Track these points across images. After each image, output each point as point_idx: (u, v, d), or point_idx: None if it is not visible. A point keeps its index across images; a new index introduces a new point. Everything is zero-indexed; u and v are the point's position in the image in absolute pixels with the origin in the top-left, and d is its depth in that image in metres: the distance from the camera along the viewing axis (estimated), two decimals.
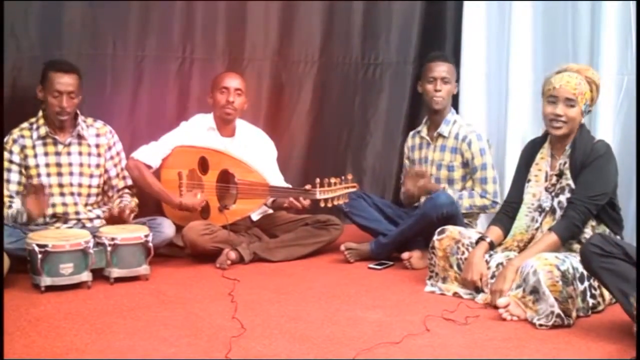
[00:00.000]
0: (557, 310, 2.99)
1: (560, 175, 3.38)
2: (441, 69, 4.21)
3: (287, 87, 5.06)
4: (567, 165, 3.36)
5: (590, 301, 3.17)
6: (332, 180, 3.97)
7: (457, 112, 4.75)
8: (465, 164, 4.16)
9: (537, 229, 3.42)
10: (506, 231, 3.51)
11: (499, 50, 4.77)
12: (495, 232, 3.51)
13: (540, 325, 3.01)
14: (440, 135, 4.24)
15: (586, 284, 3.14)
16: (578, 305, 3.12)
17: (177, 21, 4.64)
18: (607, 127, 4.07)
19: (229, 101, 4.21)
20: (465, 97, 4.87)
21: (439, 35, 5.27)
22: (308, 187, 4.00)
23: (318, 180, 3.96)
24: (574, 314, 3.05)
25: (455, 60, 5.00)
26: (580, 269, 3.08)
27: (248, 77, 4.68)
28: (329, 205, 3.99)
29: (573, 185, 3.33)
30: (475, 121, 4.61)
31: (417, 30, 5.26)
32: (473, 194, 4.09)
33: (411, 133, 4.49)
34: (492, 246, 3.47)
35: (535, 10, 4.56)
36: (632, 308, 2.77)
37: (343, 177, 4.02)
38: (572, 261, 3.10)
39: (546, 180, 3.43)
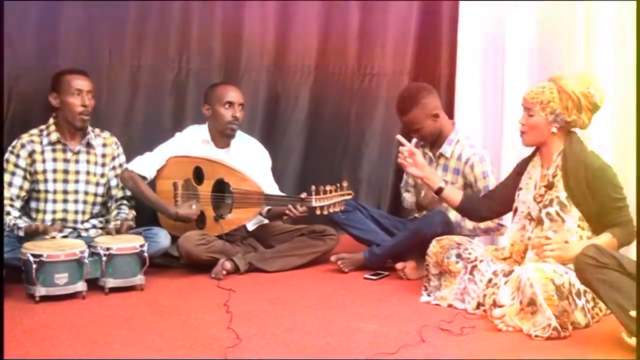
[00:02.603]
0: (554, 323, 2.98)
1: (549, 186, 3.35)
2: (406, 120, 4.11)
3: (283, 97, 5.07)
4: (558, 177, 3.33)
5: (588, 315, 3.17)
6: (328, 187, 3.98)
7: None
8: (468, 186, 4.09)
9: (528, 238, 3.41)
10: (468, 203, 3.63)
11: (494, 62, 4.77)
12: (456, 192, 3.65)
13: (536, 336, 3.01)
14: (441, 155, 4.16)
15: (583, 299, 3.13)
16: (577, 319, 3.11)
17: (173, 31, 4.65)
18: (603, 138, 4.08)
19: (236, 117, 4.21)
20: (461, 109, 4.87)
21: (435, 46, 5.28)
22: (304, 195, 4.01)
23: (313, 187, 3.97)
24: (570, 327, 3.04)
25: (450, 71, 5.03)
26: (578, 284, 3.07)
27: (244, 87, 4.69)
28: (325, 212, 3.99)
29: (563, 198, 3.29)
30: (471, 134, 4.60)
31: (412, 40, 5.27)
32: None
33: (414, 140, 4.34)
34: (440, 191, 3.61)
35: (531, 21, 4.57)
36: (628, 320, 2.76)
37: (339, 185, 4.03)
38: (571, 276, 3.06)
39: (535, 189, 3.43)
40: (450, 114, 4.85)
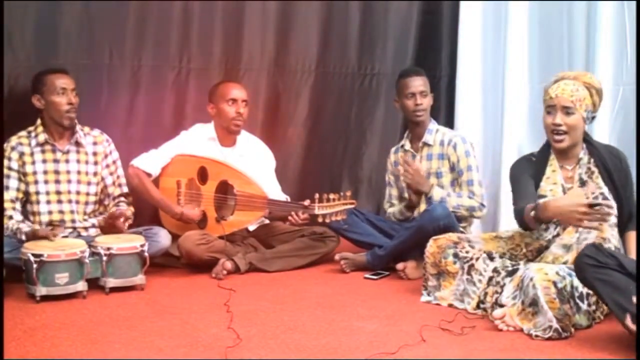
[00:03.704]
0: (555, 325, 2.97)
1: (584, 184, 3.33)
2: (417, 83, 4.23)
3: (283, 97, 5.07)
4: (595, 174, 3.32)
5: (591, 318, 3.16)
6: (331, 196, 4.00)
7: (453, 122, 4.79)
8: (452, 168, 4.19)
9: (549, 240, 3.38)
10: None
11: (495, 61, 4.79)
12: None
13: (537, 336, 3.00)
14: (425, 144, 4.27)
15: (586, 303, 3.12)
16: (579, 322, 3.10)
17: (173, 31, 4.65)
18: (604, 137, 4.09)
19: (240, 113, 4.23)
20: (461, 108, 4.89)
21: (435, 46, 5.29)
22: (307, 202, 4.02)
23: (317, 195, 3.98)
24: (572, 329, 3.02)
25: (451, 71, 5.04)
26: (580, 288, 3.06)
27: (244, 87, 4.69)
28: (327, 221, 4.02)
29: (606, 193, 3.28)
30: (471, 132, 4.63)
31: (413, 41, 5.29)
32: (461, 194, 4.13)
33: (393, 149, 4.51)
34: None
35: (531, 23, 4.58)
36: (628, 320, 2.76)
37: (342, 194, 4.05)
38: (574, 279, 3.04)
39: (564, 193, 3.36)
40: (450, 113, 4.88)
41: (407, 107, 4.24)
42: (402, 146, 4.40)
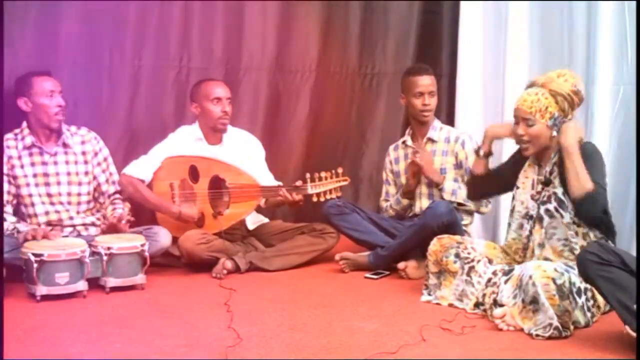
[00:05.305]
0: (555, 322, 2.97)
1: (547, 183, 3.35)
2: (427, 82, 4.25)
3: (284, 97, 5.07)
4: (554, 173, 3.33)
5: (588, 314, 3.16)
6: (323, 174, 4.03)
7: (454, 121, 4.79)
8: (458, 166, 4.19)
9: (527, 237, 3.41)
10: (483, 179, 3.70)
11: (495, 60, 4.78)
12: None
13: (537, 335, 3.00)
14: (430, 140, 4.29)
15: (583, 298, 3.13)
16: (577, 318, 3.10)
17: (174, 30, 4.65)
18: (604, 137, 4.08)
19: (226, 112, 4.22)
20: (462, 107, 4.88)
21: (436, 45, 5.29)
22: (299, 183, 4.03)
23: (308, 175, 3.99)
24: (571, 327, 3.03)
25: (451, 70, 5.04)
26: (578, 283, 3.07)
27: (245, 87, 4.70)
28: (322, 199, 4.04)
29: (560, 194, 3.29)
30: (472, 130, 4.62)
31: (413, 40, 5.29)
32: None
33: (392, 147, 4.51)
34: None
35: (532, 21, 4.57)
36: (631, 317, 2.76)
37: (334, 171, 4.06)
38: (572, 275, 3.06)
39: (532, 188, 3.42)
40: (451, 113, 4.88)
41: (415, 106, 4.25)
42: (404, 142, 4.40)
